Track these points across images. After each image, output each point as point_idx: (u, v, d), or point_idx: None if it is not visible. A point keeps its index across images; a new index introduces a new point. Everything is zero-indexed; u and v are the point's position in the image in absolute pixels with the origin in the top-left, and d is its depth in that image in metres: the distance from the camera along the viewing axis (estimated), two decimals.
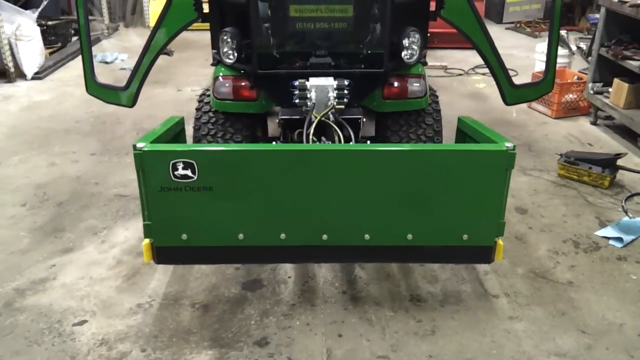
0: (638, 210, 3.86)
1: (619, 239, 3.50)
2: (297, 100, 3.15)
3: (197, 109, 3.64)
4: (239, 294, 3.02)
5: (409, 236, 2.55)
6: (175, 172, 2.40)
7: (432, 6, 3.49)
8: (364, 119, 3.32)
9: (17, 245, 3.45)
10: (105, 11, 9.30)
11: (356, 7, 3.24)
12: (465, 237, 2.57)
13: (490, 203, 2.53)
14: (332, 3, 3.20)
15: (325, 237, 2.55)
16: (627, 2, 4.74)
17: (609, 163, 4.17)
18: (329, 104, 3.09)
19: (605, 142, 5.05)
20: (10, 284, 3.08)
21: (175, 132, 3.17)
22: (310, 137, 2.94)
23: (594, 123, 5.45)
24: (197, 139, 3.50)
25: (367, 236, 2.56)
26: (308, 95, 3.11)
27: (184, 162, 2.39)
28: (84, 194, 4.06)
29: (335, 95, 3.11)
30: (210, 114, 3.53)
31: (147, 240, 2.59)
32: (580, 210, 3.87)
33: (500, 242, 2.63)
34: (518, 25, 9.80)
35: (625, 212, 3.83)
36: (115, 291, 3.04)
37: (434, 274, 3.18)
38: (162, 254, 2.61)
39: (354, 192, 2.51)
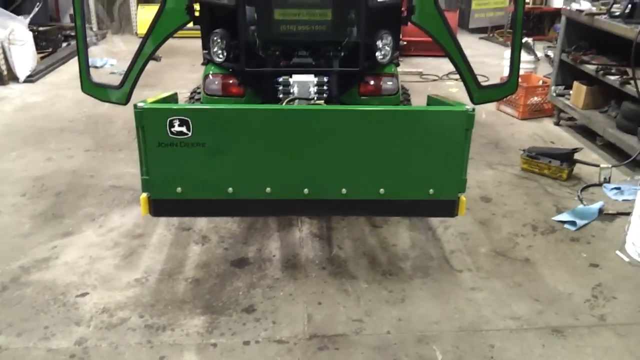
0: (592, 199, 4.24)
1: (573, 223, 3.85)
2: (281, 95, 3.46)
3: None
4: (228, 269, 3.31)
5: (381, 190, 2.81)
6: (172, 129, 2.63)
7: (405, 12, 3.84)
8: None
9: (19, 229, 3.70)
10: (93, 19, 9.56)
11: (334, 11, 3.56)
12: (431, 191, 2.84)
13: (453, 160, 2.79)
14: (312, 8, 3.53)
15: (306, 191, 2.79)
16: (583, 11, 5.17)
17: (567, 157, 4.55)
18: (310, 97, 3.41)
19: (567, 141, 5.45)
20: (15, 263, 3.34)
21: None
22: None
23: (557, 124, 5.84)
24: None
25: (344, 190, 2.80)
26: (291, 90, 3.43)
27: (180, 120, 2.63)
28: (80, 185, 4.32)
29: (315, 90, 3.43)
30: None
31: (144, 194, 2.80)
32: (540, 199, 4.24)
33: (463, 197, 2.90)
34: (491, 35, 10.28)
35: (581, 200, 4.20)
36: (114, 268, 3.31)
37: (405, 252, 3.50)
38: (159, 207, 2.82)
39: (331, 149, 2.76)
